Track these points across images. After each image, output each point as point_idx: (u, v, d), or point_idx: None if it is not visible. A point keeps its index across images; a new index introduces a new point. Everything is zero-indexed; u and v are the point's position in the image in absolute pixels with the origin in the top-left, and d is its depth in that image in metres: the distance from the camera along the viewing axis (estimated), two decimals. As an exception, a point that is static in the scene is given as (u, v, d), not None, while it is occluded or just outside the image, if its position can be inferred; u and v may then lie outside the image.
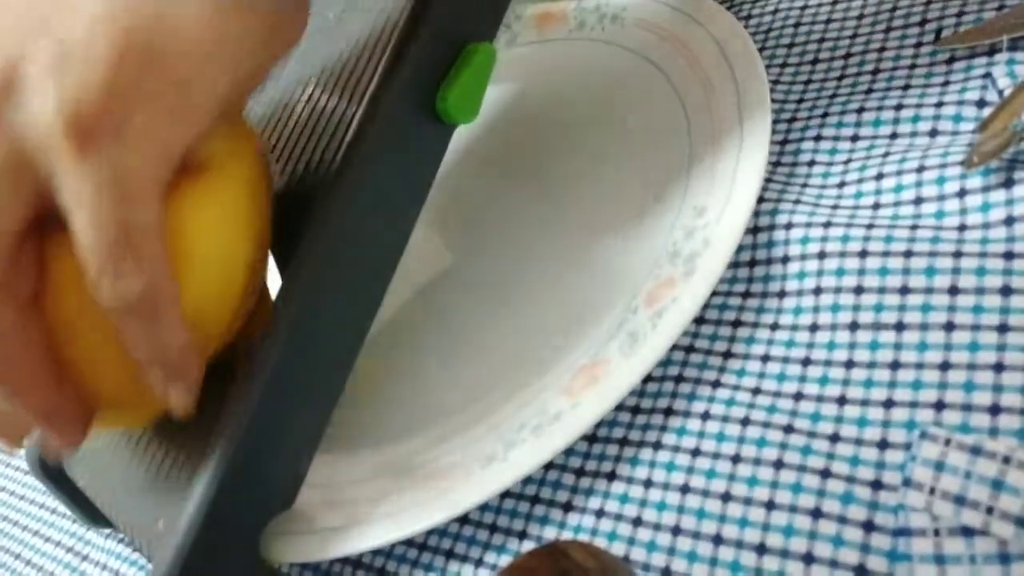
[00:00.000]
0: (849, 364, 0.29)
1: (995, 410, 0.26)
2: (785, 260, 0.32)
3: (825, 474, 0.27)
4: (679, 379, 0.32)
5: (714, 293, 0.33)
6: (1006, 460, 0.24)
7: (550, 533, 0.31)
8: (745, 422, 0.29)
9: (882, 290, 0.30)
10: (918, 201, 0.31)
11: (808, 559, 0.26)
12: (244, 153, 0.30)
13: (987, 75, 0.33)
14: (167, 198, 0.27)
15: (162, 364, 0.28)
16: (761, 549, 0.26)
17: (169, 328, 0.27)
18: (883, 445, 0.27)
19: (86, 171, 0.24)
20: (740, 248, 0.33)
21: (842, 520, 0.26)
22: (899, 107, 0.35)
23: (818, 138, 0.36)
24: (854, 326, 0.29)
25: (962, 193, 0.30)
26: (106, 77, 0.24)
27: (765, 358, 0.31)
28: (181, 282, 0.27)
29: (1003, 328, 0.27)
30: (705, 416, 0.30)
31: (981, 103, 0.33)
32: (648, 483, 0.30)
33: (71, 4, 0.25)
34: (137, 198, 0.25)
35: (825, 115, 0.36)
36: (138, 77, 0.25)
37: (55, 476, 0.38)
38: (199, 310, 0.28)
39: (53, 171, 0.25)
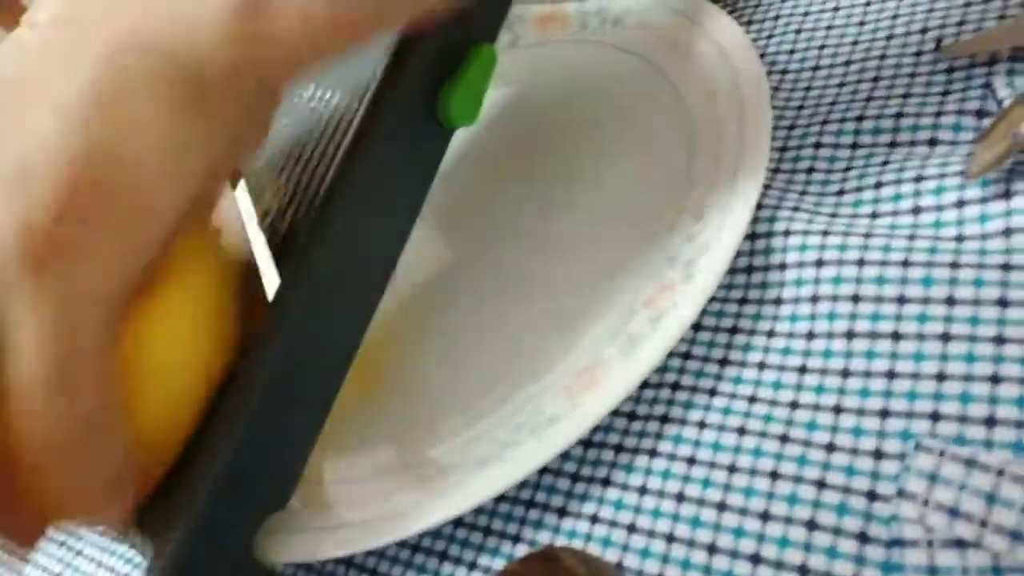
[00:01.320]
0: (845, 373, 0.29)
1: (990, 422, 0.26)
2: (783, 267, 0.32)
3: (820, 485, 0.27)
4: (676, 386, 0.32)
5: (712, 299, 0.33)
6: (1000, 473, 0.24)
7: (544, 538, 0.31)
8: (741, 431, 0.29)
9: (879, 299, 0.30)
10: (916, 211, 0.31)
11: (803, 570, 0.26)
12: (205, 257, 0.30)
13: (987, 85, 0.33)
14: (122, 312, 0.26)
15: (92, 498, 0.27)
16: (756, 559, 0.26)
17: (96, 464, 0.26)
18: (878, 455, 0.27)
19: (32, 297, 0.24)
20: (738, 254, 0.33)
21: (837, 532, 0.26)
22: (899, 115, 0.35)
23: (817, 145, 0.36)
24: (850, 335, 0.29)
25: (960, 204, 0.30)
26: (59, 201, 0.23)
27: (761, 366, 0.31)
28: (135, 399, 0.27)
29: (999, 340, 0.27)
30: (701, 425, 0.30)
31: (980, 113, 0.33)
32: (643, 490, 0.30)
33: (26, 123, 0.24)
34: (82, 328, 0.24)
35: (825, 122, 0.37)
36: (91, 202, 0.24)
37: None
38: (155, 424, 0.28)
39: (4, 294, 0.24)
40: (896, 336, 0.29)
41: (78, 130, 0.24)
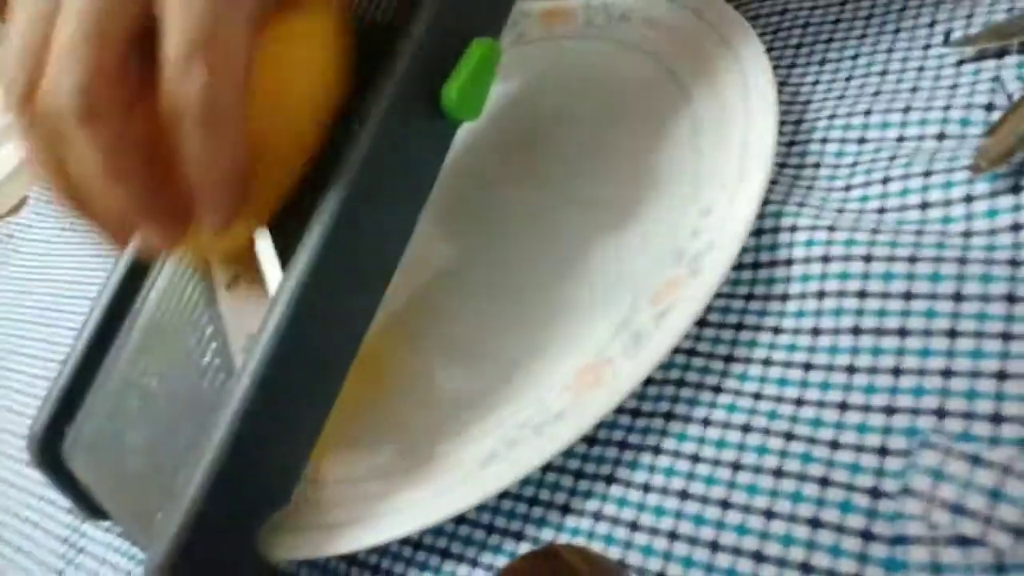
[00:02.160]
0: (851, 369, 0.29)
1: (997, 419, 0.25)
2: (789, 263, 0.32)
3: (824, 482, 0.27)
4: (680, 383, 0.31)
5: (717, 295, 0.33)
6: (1005, 470, 0.24)
7: (547, 535, 0.31)
8: (746, 429, 0.29)
9: (886, 295, 0.29)
10: (924, 206, 0.31)
11: (806, 568, 0.25)
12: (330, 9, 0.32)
13: (996, 79, 0.33)
14: (259, 27, 0.28)
15: (211, 179, 0.29)
16: (759, 557, 0.26)
17: (226, 142, 0.28)
18: (883, 452, 0.26)
19: None
20: (743, 250, 0.33)
21: (840, 530, 0.26)
22: (907, 110, 0.34)
23: (825, 140, 0.36)
24: (857, 331, 0.29)
25: (968, 198, 0.30)
26: None
27: (767, 362, 0.30)
28: (259, 108, 0.29)
29: (1007, 336, 0.27)
30: (706, 422, 0.30)
31: (990, 107, 0.33)
32: (646, 487, 0.30)
33: None
34: (232, 6, 0.27)
35: (832, 117, 0.36)
36: None
37: (54, 467, 0.38)
38: (272, 141, 0.30)
39: None
40: (902, 332, 0.28)
41: None
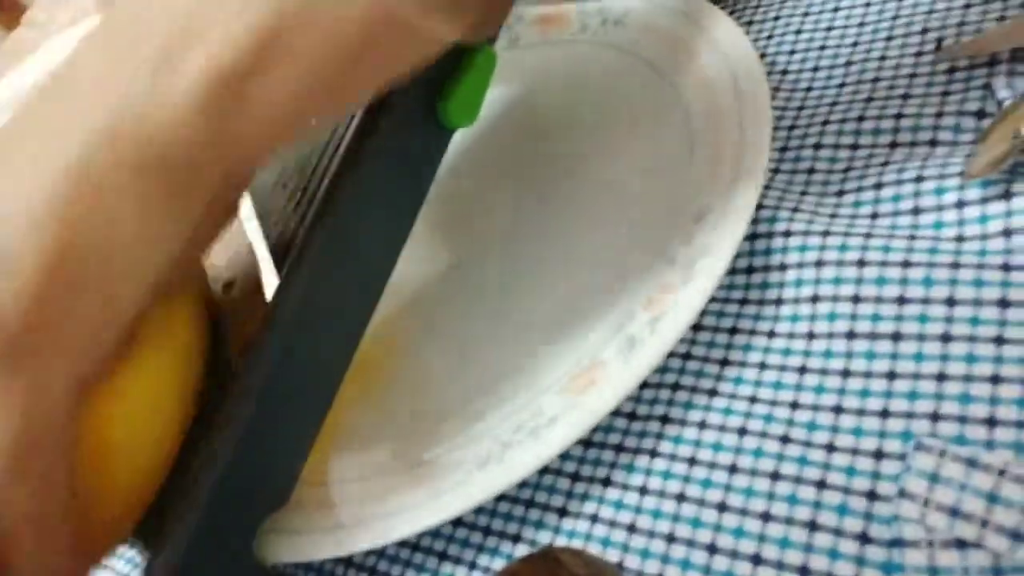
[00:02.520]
0: (845, 373, 0.29)
1: (991, 422, 0.26)
2: (783, 268, 0.32)
3: (821, 485, 0.27)
4: (676, 387, 0.32)
5: (712, 299, 0.33)
6: (1001, 473, 0.24)
7: (544, 537, 0.31)
8: (742, 432, 0.29)
9: (879, 300, 0.30)
10: (916, 211, 0.31)
11: (804, 571, 0.26)
12: (177, 323, 0.31)
13: (987, 86, 0.33)
14: (88, 392, 0.27)
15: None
16: (756, 560, 0.26)
17: (54, 552, 0.26)
18: (879, 455, 0.27)
19: None
20: (738, 255, 0.33)
21: (837, 533, 0.26)
22: (899, 116, 0.35)
23: (817, 146, 0.36)
24: (851, 335, 0.30)
25: (960, 204, 0.30)
26: (29, 299, 0.24)
27: (762, 366, 0.31)
28: (101, 467, 0.28)
29: (1000, 340, 0.27)
30: (702, 425, 0.30)
31: (981, 114, 0.33)
32: (643, 490, 0.30)
33: (6, 192, 0.25)
34: (47, 418, 0.25)
35: (825, 123, 0.37)
36: (62, 296, 0.25)
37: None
38: (118, 492, 0.29)
39: None
40: (896, 337, 0.29)
41: (53, 223, 0.24)
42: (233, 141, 0.26)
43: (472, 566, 0.31)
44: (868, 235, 0.31)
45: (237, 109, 0.25)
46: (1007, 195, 0.30)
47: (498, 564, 0.31)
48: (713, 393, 0.31)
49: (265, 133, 0.26)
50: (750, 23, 0.43)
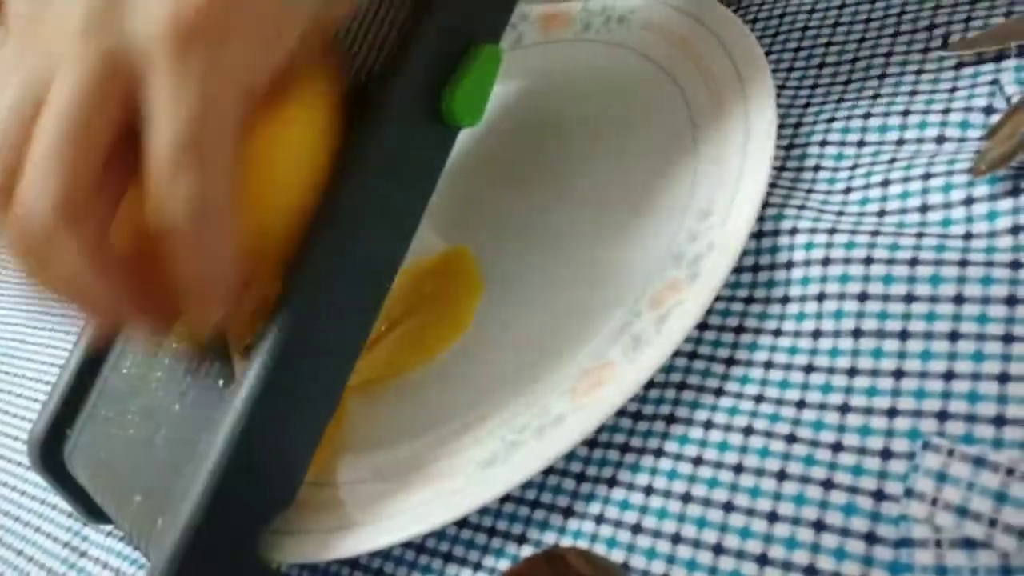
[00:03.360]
0: (852, 372, 0.29)
1: (999, 421, 0.25)
2: (789, 265, 0.32)
3: (828, 485, 0.27)
4: (682, 386, 0.31)
5: (717, 298, 0.33)
6: (1009, 472, 0.24)
7: (549, 538, 0.31)
8: (748, 431, 0.29)
9: (886, 298, 0.29)
10: (924, 208, 0.31)
11: (810, 571, 0.25)
12: (321, 88, 0.31)
13: (995, 81, 0.33)
14: (251, 117, 0.28)
15: (201, 284, 0.28)
16: (763, 560, 0.26)
17: (216, 249, 0.28)
18: (886, 455, 0.26)
19: (178, 70, 0.25)
20: (744, 253, 0.33)
21: (845, 532, 0.26)
22: (906, 113, 0.35)
23: (824, 143, 0.36)
24: (858, 333, 0.29)
25: (968, 201, 0.30)
26: None
27: (768, 365, 0.31)
28: (251, 203, 0.28)
29: (1008, 338, 0.27)
30: (708, 425, 0.30)
31: (989, 110, 0.33)
32: (649, 490, 0.30)
33: None
34: (219, 108, 0.26)
35: (831, 120, 0.36)
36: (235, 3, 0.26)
37: (55, 471, 0.38)
38: (262, 233, 0.30)
39: (146, 75, 0.26)
40: (904, 334, 0.28)
41: None
42: None
43: (477, 567, 0.31)
44: (875, 232, 0.31)
45: None
46: (1016, 191, 0.29)
47: (503, 565, 0.31)
48: (719, 392, 0.31)
49: None
50: (755, 20, 0.43)
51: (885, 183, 0.33)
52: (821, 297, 0.31)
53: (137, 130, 0.26)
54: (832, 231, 0.32)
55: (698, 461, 0.29)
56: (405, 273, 0.35)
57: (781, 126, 0.37)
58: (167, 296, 0.29)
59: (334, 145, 0.31)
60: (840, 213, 0.33)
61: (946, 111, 0.34)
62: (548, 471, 0.32)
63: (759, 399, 0.30)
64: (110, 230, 0.28)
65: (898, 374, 0.28)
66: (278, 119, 0.29)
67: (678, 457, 0.30)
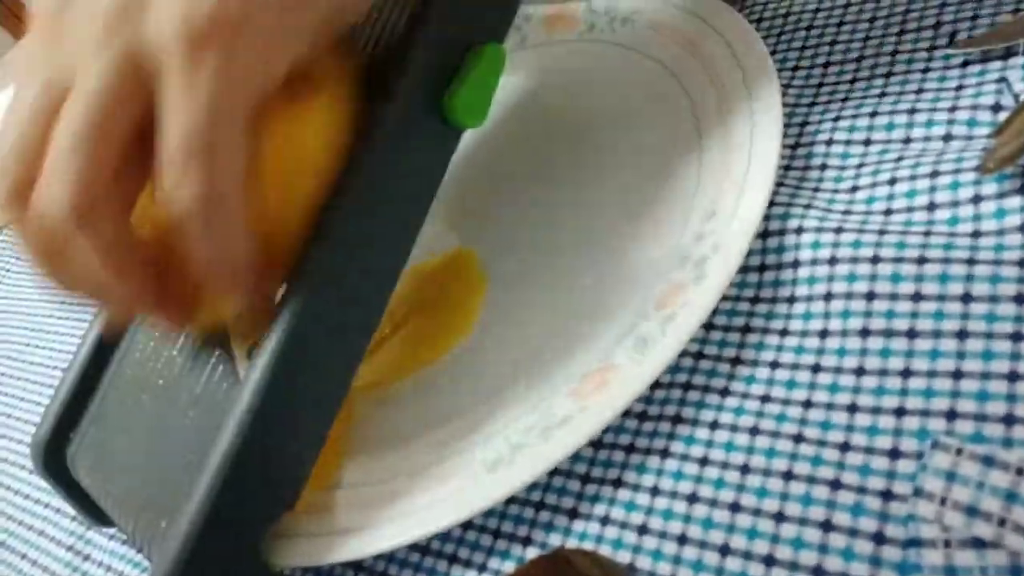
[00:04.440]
0: (860, 371, 0.28)
1: (1009, 420, 0.25)
2: (795, 265, 0.32)
3: (835, 485, 0.26)
4: (687, 386, 0.31)
5: (723, 298, 0.33)
6: (1019, 471, 0.24)
7: (555, 539, 0.30)
8: (754, 431, 0.29)
9: (894, 296, 0.29)
10: (931, 207, 0.31)
11: (818, 572, 0.25)
12: (336, 78, 0.32)
13: (1002, 79, 0.33)
14: (264, 113, 0.28)
15: (216, 275, 0.29)
16: (770, 561, 0.26)
17: (228, 241, 0.28)
18: (894, 454, 0.26)
19: (189, 69, 0.26)
20: (750, 252, 0.33)
21: (852, 533, 0.25)
22: (912, 111, 0.34)
23: (830, 142, 0.36)
24: (865, 332, 0.29)
25: (976, 199, 0.30)
26: None
27: (775, 364, 0.30)
28: (268, 189, 0.29)
29: (1017, 337, 0.27)
30: (714, 425, 0.30)
31: (996, 107, 0.32)
32: (655, 491, 0.29)
33: None
34: (229, 105, 0.26)
35: (837, 119, 0.36)
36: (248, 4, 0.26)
37: (58, 475, 0.38)
38: (274, 225, 0.30)
39: (161, 75, 0.26)
40: (912, 334, 0.28)
41: None
42: None
43: (482, 569, 0.31)
44: (882, 231, 0.31)
45: None
46: None
47: (508, 567, 0.30)
48: (725, 392, 0.31)
49: None
50: (760, 19, 0.42)
51: (892, 181, 0.32)
52: (828, 296, 0.30)
53: (151, 132, 0.27)
54: (839, 230, 0.31)
55: (704, 461, 0.29)
56: (409, 275, 0.35)
57: (787, 125, 0.37)
58: (184, 290, 0.30)
59: (345, 141, 0.32)
60: (847, 212, 0.33)
61: (953, 109, 0.33)
62: (553, 472, 0.32)
63: (765, 399, 0.30)
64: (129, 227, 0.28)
65: (906, 373, 0.28)
66: (291, 116, 0.30)
67: (684, 458, 0.30)
